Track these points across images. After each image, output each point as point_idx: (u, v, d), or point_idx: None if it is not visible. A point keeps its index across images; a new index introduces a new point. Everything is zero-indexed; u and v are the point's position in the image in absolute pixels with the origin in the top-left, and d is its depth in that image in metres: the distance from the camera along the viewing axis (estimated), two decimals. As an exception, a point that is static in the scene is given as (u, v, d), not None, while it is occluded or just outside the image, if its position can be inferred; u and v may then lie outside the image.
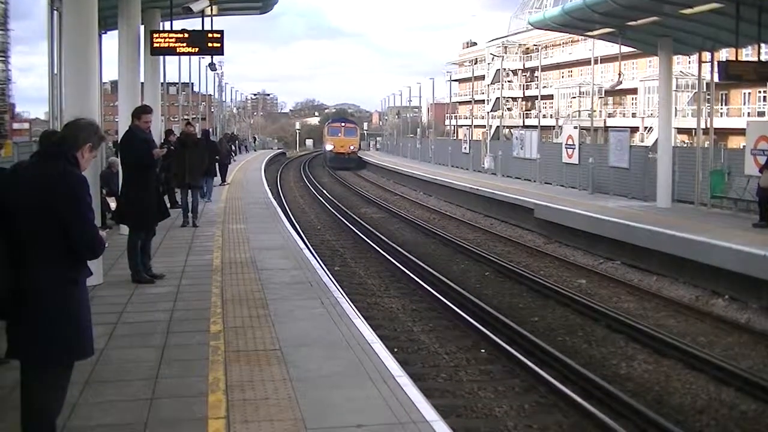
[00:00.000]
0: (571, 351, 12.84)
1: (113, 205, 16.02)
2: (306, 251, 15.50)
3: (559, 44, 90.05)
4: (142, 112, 12.47)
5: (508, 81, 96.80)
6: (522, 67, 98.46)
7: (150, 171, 12.34)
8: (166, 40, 17.60)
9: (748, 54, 27.41)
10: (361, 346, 8.56)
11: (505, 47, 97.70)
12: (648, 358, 12.52)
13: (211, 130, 64.50)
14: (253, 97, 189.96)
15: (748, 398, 10.73)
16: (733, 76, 23.13)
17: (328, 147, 74.57)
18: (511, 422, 9.62)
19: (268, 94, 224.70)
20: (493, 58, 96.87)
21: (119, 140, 14.09)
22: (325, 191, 44.06)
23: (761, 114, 55.75)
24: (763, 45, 21.90)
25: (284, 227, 19.01)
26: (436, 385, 10.92)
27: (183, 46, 17.60)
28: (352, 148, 73.24)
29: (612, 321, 14.56)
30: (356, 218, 30.31)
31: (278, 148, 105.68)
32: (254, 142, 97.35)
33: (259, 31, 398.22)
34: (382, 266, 20.35)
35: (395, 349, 11.82)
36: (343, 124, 77.60)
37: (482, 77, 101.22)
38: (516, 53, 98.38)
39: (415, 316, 15.09)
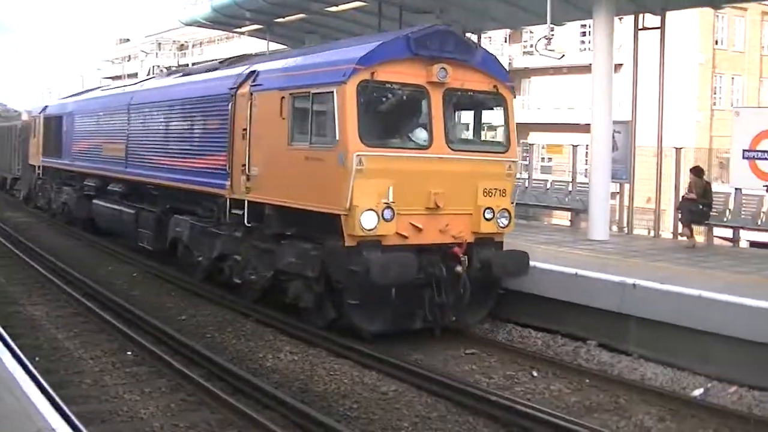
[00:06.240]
0: (219, 347, 12.89)
1: None
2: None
3: (215, 41, 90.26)
4: None
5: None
6: (177, 64, 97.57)
7: None
8: None
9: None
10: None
11: (159, 44, 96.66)
12: (294, 349, 12.86)
13: None
14: None
15: (389, 380, 11.36)
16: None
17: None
18: (157, 423, 9.44)
19: None
20: (146, 55, 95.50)
21: None
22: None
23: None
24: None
25: None
26: (80, 392, 10.48)
27: None
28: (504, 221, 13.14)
29: (262, 315, 14.81)
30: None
31: None
32: None
33: None
34: (26, 273, 19.33)
35: (37, 358, 11.33)
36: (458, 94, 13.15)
37: (136, 74, 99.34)
38: (170, 50, 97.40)
39: (59, 322, 14.42)
